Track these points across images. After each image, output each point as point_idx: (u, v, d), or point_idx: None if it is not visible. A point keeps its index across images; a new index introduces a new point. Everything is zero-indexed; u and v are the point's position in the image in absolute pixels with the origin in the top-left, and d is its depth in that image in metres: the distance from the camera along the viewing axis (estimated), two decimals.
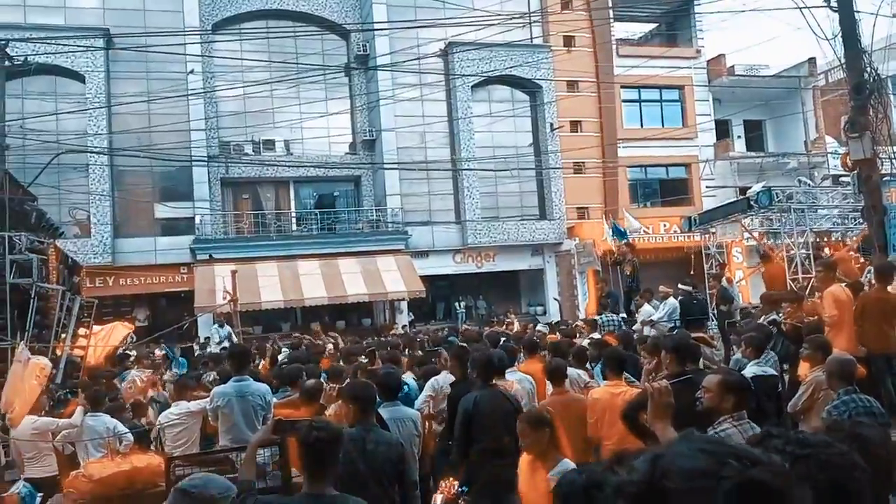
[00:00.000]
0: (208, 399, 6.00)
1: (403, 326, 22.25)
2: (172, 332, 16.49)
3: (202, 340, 20.26)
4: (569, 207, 27.71)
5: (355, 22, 27.10)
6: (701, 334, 9.01)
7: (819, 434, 1.58)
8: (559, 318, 21.57)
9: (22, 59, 18.32)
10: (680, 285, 13.69)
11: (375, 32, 25.47)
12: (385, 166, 25.41)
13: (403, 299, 24.44)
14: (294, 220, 26.90)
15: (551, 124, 27.39)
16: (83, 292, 20.08)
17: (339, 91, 27.40)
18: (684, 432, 1.12)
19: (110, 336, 12.98)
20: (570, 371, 6.64)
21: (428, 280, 24.66)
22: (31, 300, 9.03)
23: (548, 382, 6.79)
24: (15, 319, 9.04)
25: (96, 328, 13.27)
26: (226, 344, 15.69)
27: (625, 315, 14.47)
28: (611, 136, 28.17)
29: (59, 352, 9.91)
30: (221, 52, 25.21)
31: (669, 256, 25.23)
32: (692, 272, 18.10)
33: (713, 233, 18.20)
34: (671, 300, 12.45)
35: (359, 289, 23.20)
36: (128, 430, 6.71)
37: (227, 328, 16.98)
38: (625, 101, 29.01)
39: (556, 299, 26.37)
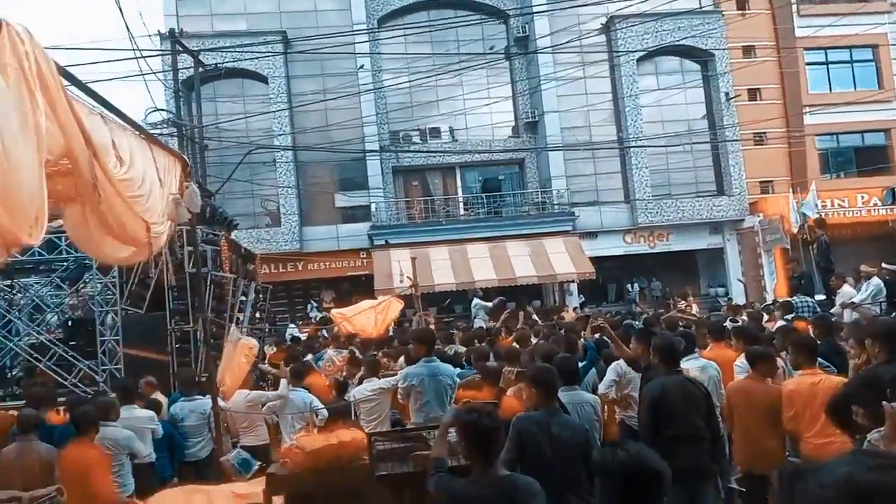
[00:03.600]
0: (399, 377, 6.36)
1: (574, 308, 22.00)
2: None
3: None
4: (750, 181, 25.92)
5: (514, 6, 27.01)
6: None
7: None
8: (744, 301, 20.30)
9: (213, 65, 20.13)
10: (884, 265, 12.34)
11: (535, 14, 25.22)
12: (549, 148, 25.20)
13: (573, 281, 24.18)
14: (461, 204, 27.48)
15: (727, 94, 25.72)
16: (272, 277, 22.10)
17: (501, 75, 27.50)
18: None
19: (387, 311, 13.18)
20: None
21: (597, 261, 24.19)
22: (208, 287, 9.87)
23: (737, 368, 6.44)
24: (195, 305, 9.97)
25: (373, 301, 13.70)
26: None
27: (823, 297, 13.31)
28: (795, 103, 25.94)
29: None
30: (387, 44, 26.19)
31: (869, 232, 22.82)
32: None
33: None
34: (875, 280, 11.24)
35: (528, 271, 23.27)
36: (323, 406, 7.27)
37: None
38: (809, 64, 26.55)
39: (739, 280, 24.83)
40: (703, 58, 26.28)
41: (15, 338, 11.51)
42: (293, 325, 21.05)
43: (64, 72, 2.94)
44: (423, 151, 26.79)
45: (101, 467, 5.22)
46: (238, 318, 11.21)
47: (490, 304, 17.59)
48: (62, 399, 7.57)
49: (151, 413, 6.62)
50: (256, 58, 24.39)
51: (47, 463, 5.06)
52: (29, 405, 6.42)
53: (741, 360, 6.32)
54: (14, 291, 13.59)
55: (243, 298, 12.01)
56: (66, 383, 10.31)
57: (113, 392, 7.12)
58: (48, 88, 2.64)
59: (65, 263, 11.88)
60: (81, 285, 12.72)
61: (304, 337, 16.21)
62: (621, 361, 6.49)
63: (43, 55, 2.61)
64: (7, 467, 5.08)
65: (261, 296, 13.48)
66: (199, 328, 9.68)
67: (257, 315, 13.21)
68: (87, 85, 3.44)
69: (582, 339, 8.05)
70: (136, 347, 9.84)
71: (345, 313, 13.18)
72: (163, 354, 9.62)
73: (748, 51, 26.30)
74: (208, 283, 9.96)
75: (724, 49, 25.86)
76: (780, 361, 6.57)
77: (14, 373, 12.85)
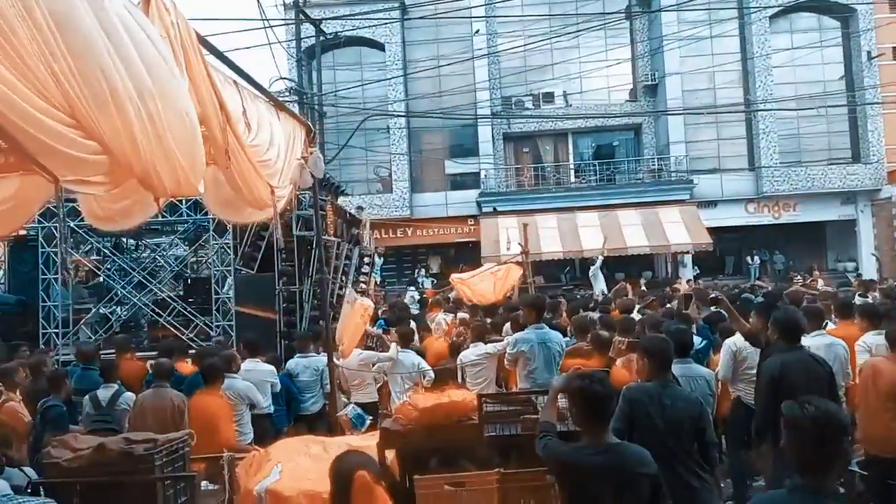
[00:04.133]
0: (508, 343, 6.44)
1: (688, 281, 21.26)
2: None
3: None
4: (890, 148, 23.97)
5: None
6: None
7: None
8: (877, 277, 18.93)
9: (333, 33, 20.58)
10: None
11: None
12: (669, 112, 24.20)
13: (688, 252, 23.35)
14: (572, 171, 27.03)
15: (868, 53, 23.72)
16: (382, 242, 22.68)
17: (620, 37, 26.56)
18: None
19: (507, 277, 13.12)
20: None
21: (715, 232, 23.20)
22: (314, 250, 10.24)
23: (858, 348, 6.04)
24: (302, 267, 10.35)
25: (492, 266, 13.80)
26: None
27: None
28: None
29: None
30: (503, 6, 25.84)
31: None
32: None
33: None
34: None
35: (639, 241, 22.65)
36: (429, 368, 7.49)
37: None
38: None
39: (873, 254, 23.15)
40: (843, 14, 24.30)
41: (140, 293, 12.43)
42: (412, 288, 21.49)
43: (203, 41, 3.12)
44: (535, 117, 26.47)
45: (226, 415, 5.61)
46: (342, 281, 11.57)
47: (599, 262, 17.36)
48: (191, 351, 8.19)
49: (272, 368, 7.04)
50: (374, 25, 24.77)
51: (178, 408, 5.51)
52: (161, 356, 7.00)
53: (863, 340, 5.95)
54: (141, 250, 14.67)
55: (347, 262, 12.39)
56: (182, 337, 11.07)
57: (242, 346, 7.59)
58: (189, 57, 2.81)
59: (185, 225, 12.67)
60: (199, 246, 13.57)
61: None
62: (735, 338, 6.24)
63: (186, 25, 2.78)
64: (143, 410, 5.59)
65: (365, 259, 13.80)
66: (306, 288, 10.11)
67: (361, 278, 13.53)
68: (224, 54, 3.63)
69: None
70: (247, 306, 10.39)
71: (464, 278, 13.28)
72: (270, 313, 10.12)
73: (895, 5, 24.05)
74: (314, 247, 10.31)
75: (867, 3, 23.75)
76: None
77: (140, 323, 13.96)
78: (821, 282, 17.52)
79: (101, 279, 13.23)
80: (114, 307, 13.15)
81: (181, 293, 13.61)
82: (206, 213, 10.91)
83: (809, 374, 4.90)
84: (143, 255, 14.61)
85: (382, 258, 22.66)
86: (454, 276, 13.95)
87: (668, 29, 23.87)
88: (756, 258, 24.90)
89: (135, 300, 12.39)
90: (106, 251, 12.95)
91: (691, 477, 3.98)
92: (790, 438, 2.55)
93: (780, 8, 24.13)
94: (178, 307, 12.24)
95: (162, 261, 14.36)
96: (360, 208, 21.13)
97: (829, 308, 8.10)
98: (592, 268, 17.80)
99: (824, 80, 24.56)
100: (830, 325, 7.30)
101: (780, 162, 24.17)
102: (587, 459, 3.16)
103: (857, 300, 9.05)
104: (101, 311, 12.98)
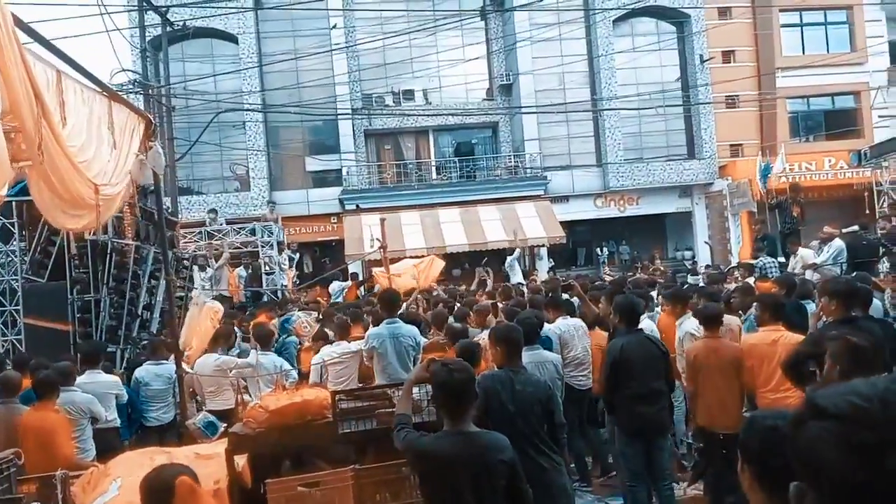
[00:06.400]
0: (364, 339, 6.38)
1: (548, 271, 22.19)
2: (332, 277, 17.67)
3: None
4: (720, 145, 26.11)
5: None
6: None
7: None
8: (709, 263, 20.63)
9: (181, 23, 19.49)
10: (843, 230, 12.65)
11: None
12: (523, 110, 25.07)
13: (543, 245, 24.31)
14: (434, 168, 27.34)
15: (701, 56, 25.70)
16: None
17: (476, 36, 27.12)
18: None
19: (430, 269, 12.95)
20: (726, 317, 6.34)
21: (568, 225, 24.33)
22: (108, 255, 9.69)
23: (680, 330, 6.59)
24: (98, 274, 9.61)
25: (415, 261, 13.40)
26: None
27: (782, 259, 13.60)
28: (768, 65, 25.99)
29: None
30: (361, 3, 25.66)
31: (835, 195, 23.23)
32: (867, 211, 16.65)
33: (886, 167, 16.53)
34: (836, 241, 11.48)
35: (498, 235, 23.29)
36: (292, 368, 7.31)
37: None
38: (784, 25, 26.57)
39: (706, 243, 25.21)
40: (678, 19, 26.19)
41: None
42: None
43: (22, 24, 2.84)
44: (396, 114, 26.50)
45: (63, 431, 5.24)
46: (150, 285, 10.86)
47: (516, 254, 17.65)
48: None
49: (116, 378, 6.61)
50: (226, 14, 23.71)
51: None
52: None
53: (687, 324, 6.46)
54: None
55: (157, 266, 11.65)
56: None
57: (79, 356, 7.05)
58: (1, 42, 2.56)
59: None
60: None
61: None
62: (556, 323, 6.64)
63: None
64: None
65: (185, 262, 12.95)
66: (103, 297, 9.48)
67: (178, 283, 12.72)
68: (49, 41, 3.33)
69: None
70: (37, 317, 9.54)
71: (386, 272, 13.04)
72: (63, 324, 9.36)
73: (724, 12, 26.26)
74: (108, 251, 9.70)
75: (699, 7, 25.75)
76: (737, 319, 6.73)
77: None
78: (662, 269, 18.92)
79: None
80: None
81: None
82: None
83: (647, 354, 5.28)
84: None
85: (298, 255, 21.91)
86: (376, 270, 13.76)
87: (521, 29, 24.69)
88: (605, 249, 26.37)
89: None
90: None
91: (542, 458, 4.15)
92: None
93: (623, 12, 25.60)
94: None
95: None
96: (271, 203, 20.22)
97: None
98: (509, 258, 18.14)
99: (662, 82, 26.35)
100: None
101: (624, 158, 25.69)
102: (445, 448, 3.18)
103: (690, 280, 9.85)
104: None
